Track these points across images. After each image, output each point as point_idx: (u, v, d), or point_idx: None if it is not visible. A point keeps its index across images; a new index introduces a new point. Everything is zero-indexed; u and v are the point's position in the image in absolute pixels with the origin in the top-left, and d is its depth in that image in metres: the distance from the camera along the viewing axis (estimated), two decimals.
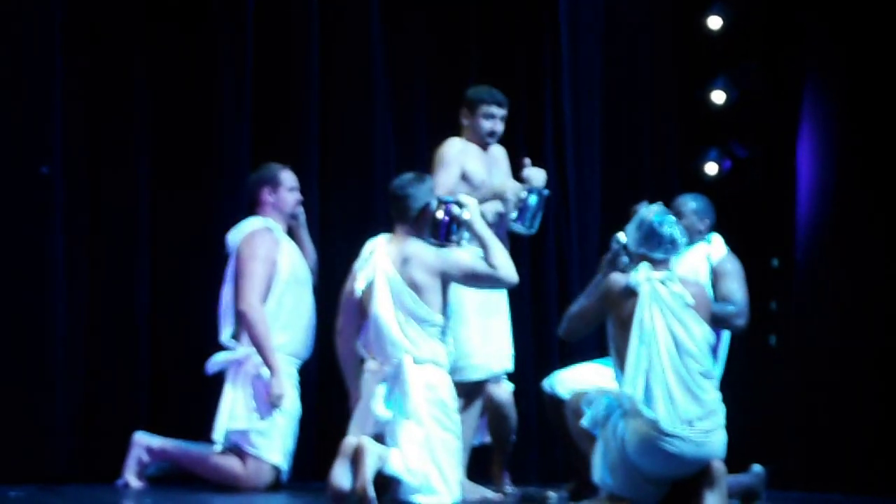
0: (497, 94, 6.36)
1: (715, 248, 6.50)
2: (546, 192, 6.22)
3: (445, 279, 5.86)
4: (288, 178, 6.52)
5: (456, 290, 5.96)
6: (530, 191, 6.17)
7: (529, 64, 7.85)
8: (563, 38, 7.82)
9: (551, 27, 7.83)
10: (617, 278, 5.69)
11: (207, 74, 6.91)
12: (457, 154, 6.23)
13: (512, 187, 6.20)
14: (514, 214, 6.16)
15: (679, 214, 6.49)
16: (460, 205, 5.89)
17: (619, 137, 8.15)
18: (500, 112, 6.34)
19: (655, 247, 5.70)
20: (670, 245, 5.72)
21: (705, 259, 6.44)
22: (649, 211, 5.78)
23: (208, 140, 6.90)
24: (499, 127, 6.35)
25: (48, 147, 6.36)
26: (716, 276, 6.23)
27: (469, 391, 6.06)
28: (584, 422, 5.73)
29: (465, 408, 5.99)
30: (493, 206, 6.18)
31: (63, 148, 6.41)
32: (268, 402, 6.19)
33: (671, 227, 5.73)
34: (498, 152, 6.44)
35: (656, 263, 5.70)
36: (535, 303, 7.48)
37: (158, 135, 6.84)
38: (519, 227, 6.19)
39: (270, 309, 6.29)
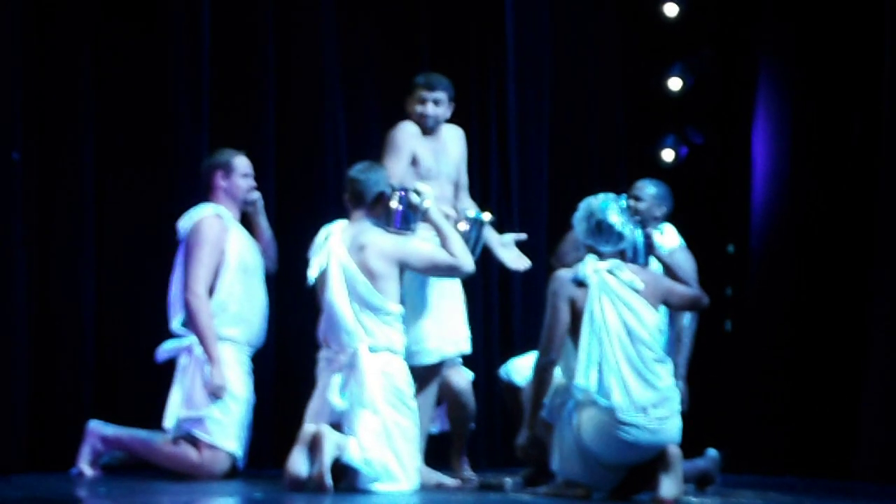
0: (431, 78, 6.23)
1: (667, 238, 6.49)
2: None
3: (403, 268, 5.85)
4: (241, 163, 6.43)
5: (408, 274, 5.94)
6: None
7: (478, 51, 7.83)
8: (508, 25, 7.79)
9: (498, 14, 7.80)
10: (564, 274, 5.68)
11: (163, 64, 6.87)
12: (407, 138, 6.15)
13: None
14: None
15: (637, 199, 6.48)
16: (418, 193, 5.88)
17: (567, 123, 8.15)
18: (431, 95, 6.18)
19: (604, 240, 5.69)
20: (617, 238, 5.70)
21: None
22: (597, 201, 5.75)
23: (163, 128, 6.86)
24: (430, 110, 6.18)
25: (14, 134, 6.30)
26: (665, 266, 6.22)
27: (423, 375, 6.03)
28: (542, 411, 5.73)
29: (419, 392, 5.96)
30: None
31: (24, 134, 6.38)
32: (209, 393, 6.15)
33: (618, 219, 5.69)
34: (448, 136, 6.30)
35: (603, 255, 5.70)
36: (483, 290, 7.48)
37: (107, 120, 6.78)
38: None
39: (220, 297, 6.24)
